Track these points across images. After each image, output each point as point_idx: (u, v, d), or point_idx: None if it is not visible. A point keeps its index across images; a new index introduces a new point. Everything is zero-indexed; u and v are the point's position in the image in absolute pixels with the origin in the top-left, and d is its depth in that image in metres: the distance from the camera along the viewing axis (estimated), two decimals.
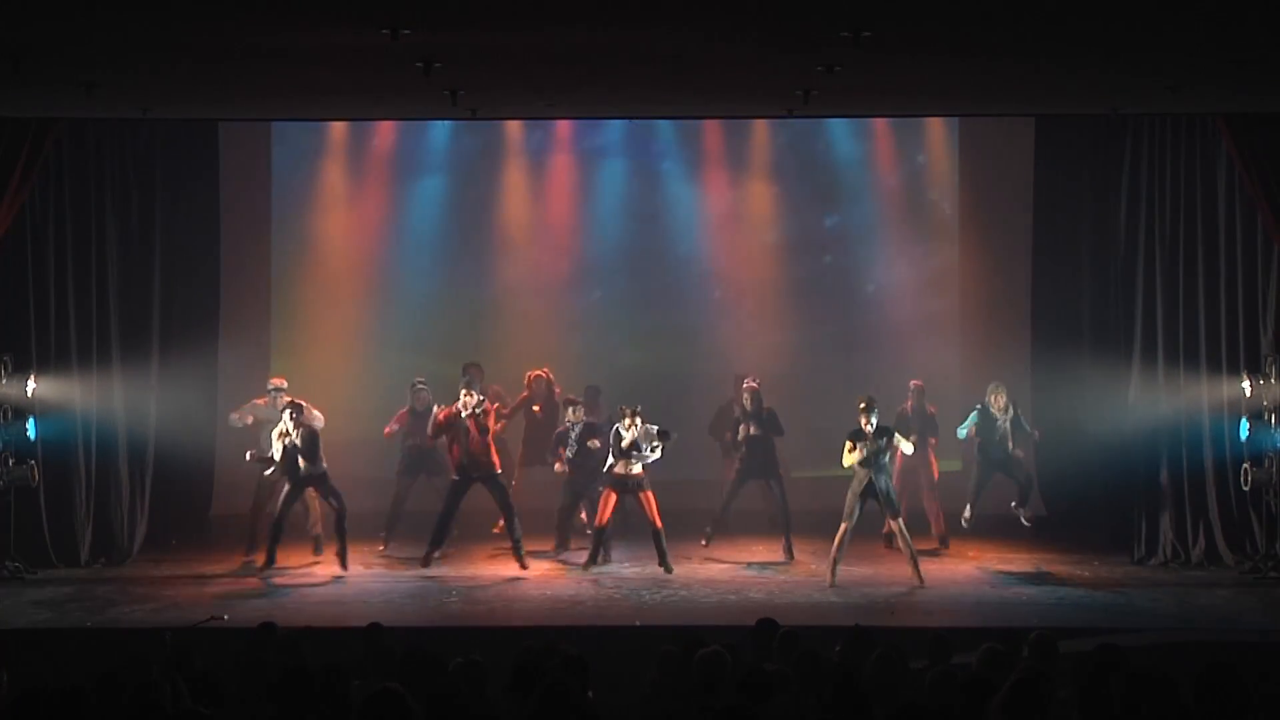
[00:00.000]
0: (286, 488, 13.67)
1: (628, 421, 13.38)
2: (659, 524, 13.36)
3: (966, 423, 14.25)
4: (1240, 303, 13.95)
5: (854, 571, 13.50)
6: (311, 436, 13.57)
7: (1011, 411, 14.16)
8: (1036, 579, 13.37)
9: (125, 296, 14.77)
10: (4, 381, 13.49)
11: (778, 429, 14.34)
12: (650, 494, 13.42)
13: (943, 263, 16.97)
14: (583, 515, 14.55)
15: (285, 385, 14.39)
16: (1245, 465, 13.47)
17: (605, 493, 13.52)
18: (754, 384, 14.51)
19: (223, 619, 11.51)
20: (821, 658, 7.56)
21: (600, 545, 13.54)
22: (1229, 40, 9.91)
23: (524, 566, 13.56)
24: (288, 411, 13.58)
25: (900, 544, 13.13)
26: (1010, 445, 14.14)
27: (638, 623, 11.60)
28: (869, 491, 13.05)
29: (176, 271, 15.28)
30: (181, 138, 15.08)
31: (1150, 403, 14.40)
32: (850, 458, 13.04)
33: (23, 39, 9.75)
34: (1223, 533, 14.08)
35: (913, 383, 15.10)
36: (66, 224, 14.29)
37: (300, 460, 13.50)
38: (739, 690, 6.81)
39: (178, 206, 15.23)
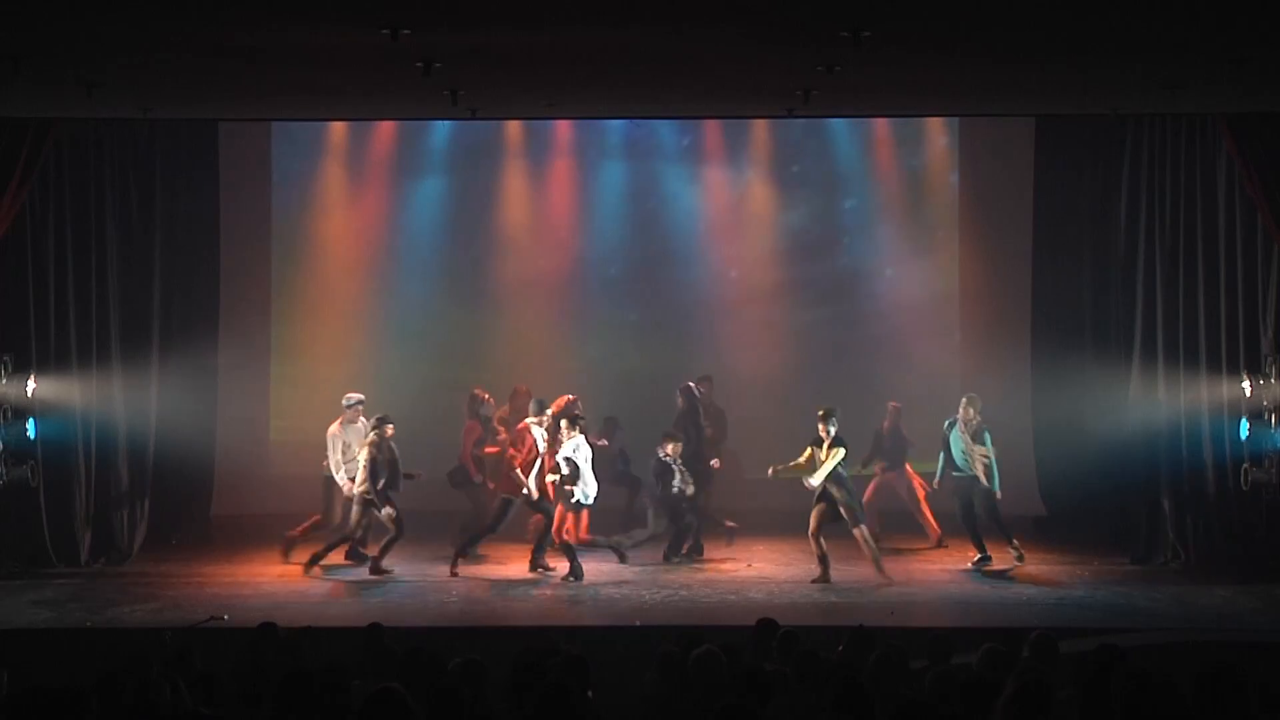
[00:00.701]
0: (359, 506, 13.49)
1: (569, 434, 13.36)
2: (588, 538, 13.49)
3: (955, 446, 13.92)
4: (1240, 303, 13.93)
5: (854, 571, 13.50)
6: (394, 454, 13.55)
7: (975, 424, 13.84)
8: (1036, 579, 13.36)
9: (125, 296, 14.77)
10: (4, 381, 13.49)
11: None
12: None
13: (943, 263, 16.96)
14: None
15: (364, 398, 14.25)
16: (1245, 465, 13.45)
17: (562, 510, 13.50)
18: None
19: (223, 619, 11.52)
20: (821, 658, 7.57)
21: (575, 557, 13.36)
22: (1229, 40, 9.92)
23: (539, 570, 13.55)
24: (384, 429, 13.44)
25: (864, 549, 13.16)
26: (971, 462, 13.82)
27: (638, 623, 11.60)
28: (824, 499, 13.12)
29: (176, 271, 15.29)
30: (181, 138, 15.10)
31: (1150, 403, 14.39)
32: (801, 468, 13.20)
33: (23, 39, 9.76)
34: (1223, 533, 14.06)
35: (890, 404, 15.06)
36: (66, 224, 14.29)
37: (381, 476, 13.43)
38: (739, 690, 6.81)
39: (178, 206, 15.25)
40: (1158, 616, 11.97)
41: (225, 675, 7.73)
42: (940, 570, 13.68)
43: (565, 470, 13.28)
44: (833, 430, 13.11)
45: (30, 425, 13.60)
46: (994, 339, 16.27)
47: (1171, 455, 14.21)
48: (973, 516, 13.86)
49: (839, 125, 16.88)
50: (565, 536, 13.55)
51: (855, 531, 13.13)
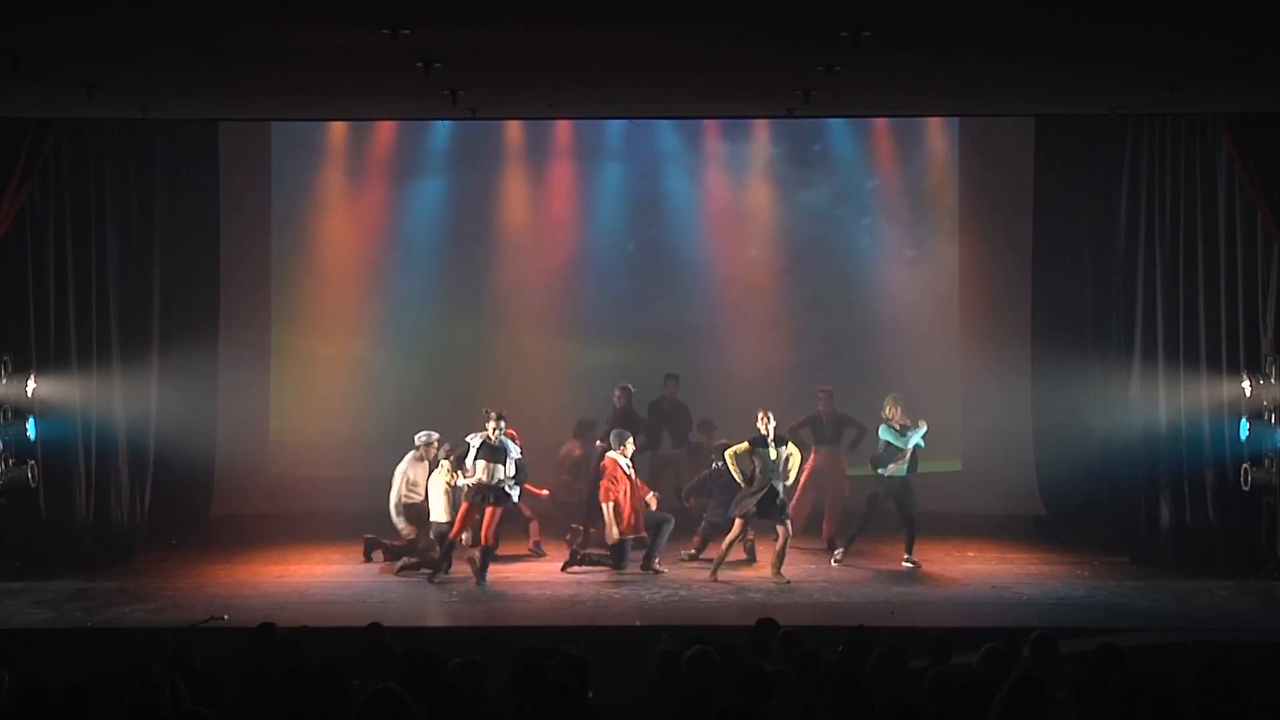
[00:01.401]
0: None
1: (492, 427, 13.13)
2: (489, 541, 13.10)
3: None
4: (1240, 303, 13.93)
5: (854, 572, 13.52)
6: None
7: (896, 422, 13.73)
8: (1036, 579, 13.36)
9: (125, 296, 14.77)
10: (4, 381, 13.49)
11: None
12: (499, 510, 13.13)
13: (943, 263, 16.95)
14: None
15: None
16: (1245, 465, 13.46)
17: (468, 509, 13.17)
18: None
19: (223, 619, 11.52)
20: (821, 658, 7.57)
21: (486, 562, 13.13)
22: (1229, 40, 9.92)
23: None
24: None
25: (778, 544, 13.11)
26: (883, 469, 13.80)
27: (638, 623, 11.60)
28: (768, 499, 13.08)
29: (176, 271, 15.30)
30: (181, 138, 15.10)
31: (1150, 403, 14.39)
32: (737, 450, 13.24)
33: (23, 39, 9.76)
34: (1223, 533, 14.07)
35: (820, 388, 14.96)
36: (66, 224, 14.29)
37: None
38: (739, 690, 6.82)
39: (178, 206, 15.25)
40: (1158, 616, 11.96)
41: (225, 675, 7.73)
42: (941, 570, 13.69)
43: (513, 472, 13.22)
44: (772, 430, 13.18)
45: (30, 425, 13.60)
46: (994, 339, 16.27)
47: (1171, 455, 14.21)
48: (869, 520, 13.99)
49: (838, 125, 16.87)
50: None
51: (781, 527, 13.09)
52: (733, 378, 16.20)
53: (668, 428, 15.65)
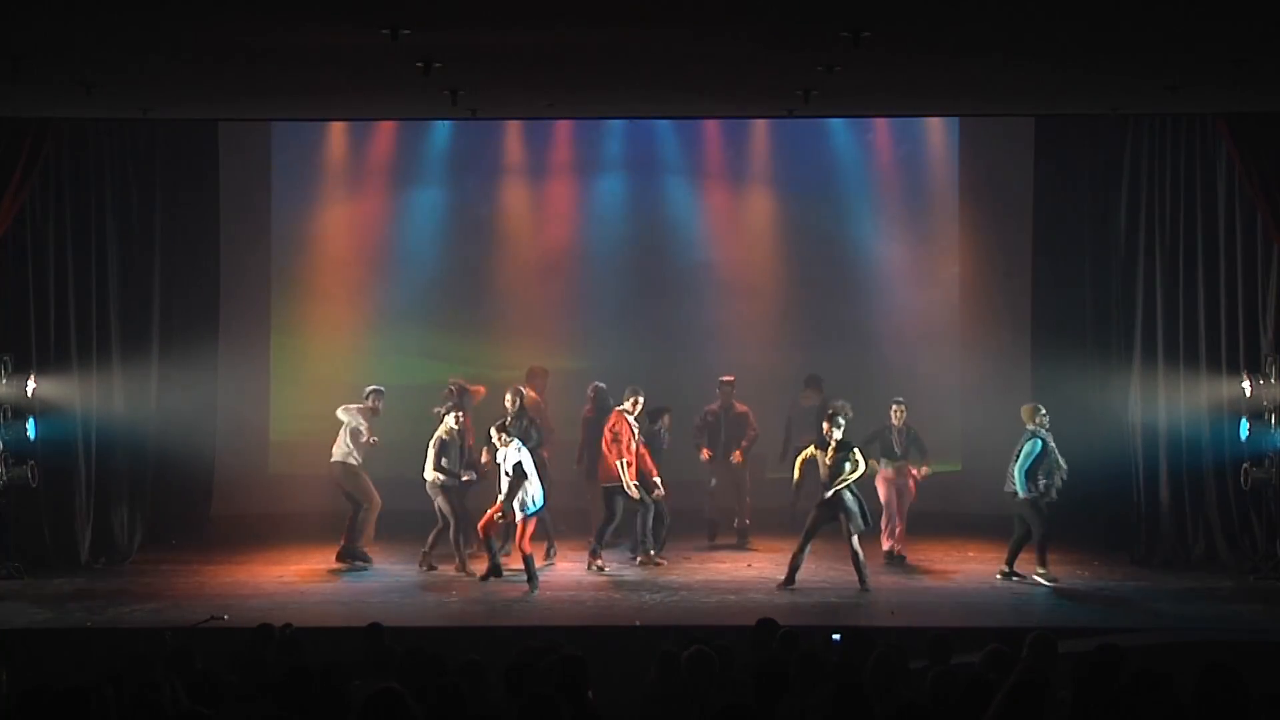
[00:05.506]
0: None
1: (501, 437, 12.97)
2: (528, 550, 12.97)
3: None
4: (1240, 303, 13.95)
5: (853, 572, 13.49)
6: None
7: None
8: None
9: (125, 296, 14.77)
10: (4, 381, 13.49)
11: None
12: (529, 520, 12.93)
13: (943, 263, 16.93)
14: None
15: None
16: (1245, 465, 13.47)
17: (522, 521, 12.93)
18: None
19: (223, 619, 11.52)
20: (822, 658, 7.58)
21: (533, 571, 12.98)
22: (1229, 40, 9.93)
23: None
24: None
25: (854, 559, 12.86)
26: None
27: (638, 623, 11.60)
28: (830, 505, 12.79)
29: (176, 271, 15.29)
30: (181, 138, 15.09)
31: (1150, 403, 14.39)
32: (797, 468, 13.16)
33: (23, 39, 9.77)
34: (1223, 533, 14.08)
35: (894, 402, 14.37)
36: (66, 224, 14.29)
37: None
38: (755, 688, 6.83)
39: (178, 206, 15.25)
40: (1158, 616, 11.97)
41: (225, 675, 7.74)
42: (941, 570, 13.68)
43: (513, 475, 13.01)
44: (837, 434, 12.98)
45: (30, 425, 13.60)
46: (994, 339, 16.25)
47: (1172, 455, 14.22)
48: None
49: (838, 125, 16.85)
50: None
51: (855, 538, 12.84)
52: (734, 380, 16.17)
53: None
